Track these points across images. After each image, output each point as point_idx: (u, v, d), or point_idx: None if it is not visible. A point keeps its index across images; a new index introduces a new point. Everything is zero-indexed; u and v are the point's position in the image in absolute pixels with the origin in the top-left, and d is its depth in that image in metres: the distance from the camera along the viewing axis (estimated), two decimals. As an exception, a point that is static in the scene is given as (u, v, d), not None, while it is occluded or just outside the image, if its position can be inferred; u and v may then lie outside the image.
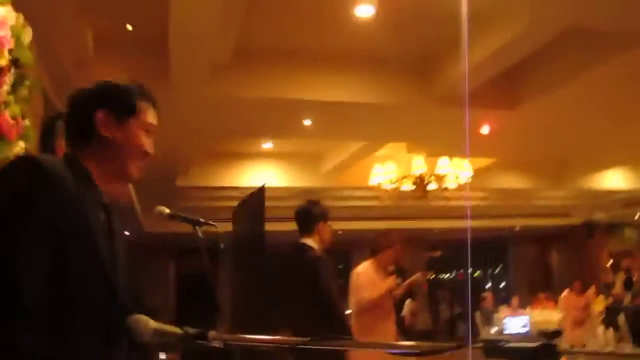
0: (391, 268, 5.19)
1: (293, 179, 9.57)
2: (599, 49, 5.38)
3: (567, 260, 18.34)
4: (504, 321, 9.59)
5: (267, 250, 6.70)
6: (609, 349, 8.29)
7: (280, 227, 9.66)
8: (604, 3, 4.44)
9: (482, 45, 5.26)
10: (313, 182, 9.45)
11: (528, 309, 11.66)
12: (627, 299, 10.90)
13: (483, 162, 9.73)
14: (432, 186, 8.62)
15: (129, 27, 5.05)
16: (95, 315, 1.33)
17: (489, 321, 10.65)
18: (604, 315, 9.47)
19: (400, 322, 5.39)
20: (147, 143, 1.60)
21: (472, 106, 6.24)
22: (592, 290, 9.19)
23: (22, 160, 1.43)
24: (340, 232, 8.89)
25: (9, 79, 2.72)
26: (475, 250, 20.48)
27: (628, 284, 13.07)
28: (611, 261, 16.16)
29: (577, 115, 6.95)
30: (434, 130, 7.19)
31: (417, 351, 1.03)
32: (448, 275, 20.40)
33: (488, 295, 11.58)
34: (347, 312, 4.87)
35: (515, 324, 8.94)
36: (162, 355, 6.92)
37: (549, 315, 10.85)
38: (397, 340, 5.39)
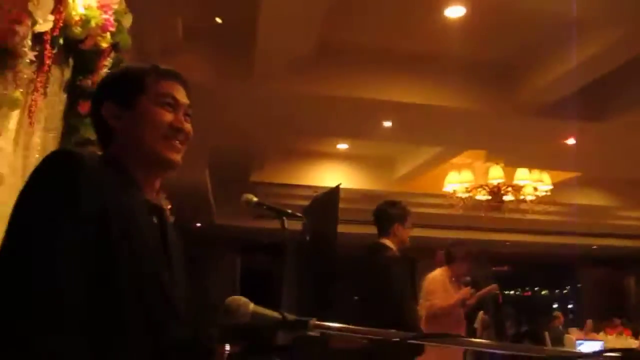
0: (466, 279, 5.15)
1: (366, 181, 9.51)
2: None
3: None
4: (577, 343, 9.20)
5: (338, 251, 6.69)
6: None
7: (349, 228, 9.69)
8: None
9: (573, 53, 5.06)
10: (386, 187, 9.36)
11: (602, 334, 11.15)
12: None
13: (563, 175, 9.37)
14: (508, 197, 8.41)
15: (218, 20, 5.13)
16: (148, 336, 1.21)
17: (559, 341, 10.24)
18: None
19: (471, 333, 5.30)
20: (170, 117, 1.40)
21: (558, 117, 6.02)
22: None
23: (65, 155, 1.29)
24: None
25: (108, 62, 2.80)
26: (545, 268, 19.95)
27: None
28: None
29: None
30: (514, 140, 6.97)
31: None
32: (513, 292, 19.87)
33: (559, 315, 11.14)
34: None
35: (589, 347, 8.55)
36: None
37: (625, 342, 10.35)
38: (465, 350, 5.30)
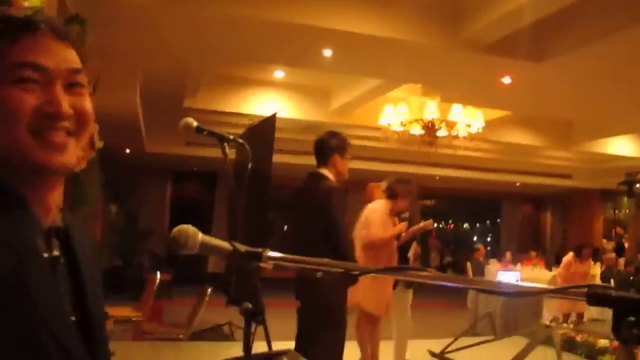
0: (405, 215, 5.30)
1: (301, 111, 9.40)
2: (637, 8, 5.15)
3: (560, 222, 18.49)
4: (497, 274, 9.68)
5: (273, 180, 6.65)
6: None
7: (282, 158, 9.63)
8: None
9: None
10: (321, 117, 9.29)
11: (519, 266, 11.77)
12: (619, 265, 11.04)
13: (495, 114, 9.57)
14: (441, 133, 8.52)
15: None
16: None
17: (480, 272, 10.75)
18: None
19: (404, 262, 5.49)
20: (33, 100, 0.92)
21: (497, 55, 6.04)
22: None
23: None
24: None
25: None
26: (469, 203, 20.75)
27: (619, 251, 13.26)
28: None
29: (598, 77, 6.76)
30: (452, 76, 6.99)
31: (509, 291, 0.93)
32: (437, 225, 20.63)
33: (481, 248, 11.64)
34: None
35: (507, 277, 9.02)
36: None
37: (539, 273, 10.97)
38: (395, 280, 5.47)
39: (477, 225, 23.45)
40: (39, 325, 0.87)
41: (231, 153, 2.34)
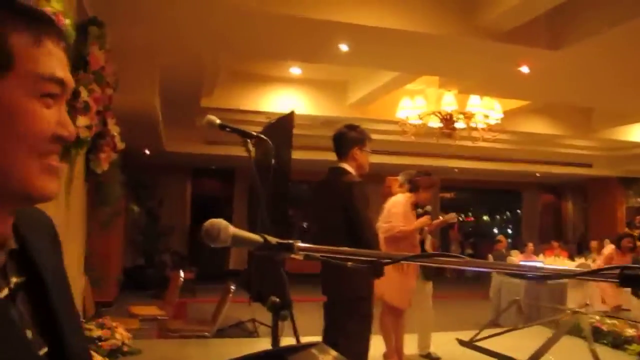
0: (427, 208, 5.30)
1: (318, 107, 9.41)
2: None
3: (581, 211, 18.30)
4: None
5: (291, 176, 6.68)
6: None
7: (302, 154, 9.65)
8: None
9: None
10: (338, 112, 9.29)
11: (541, 257, 11.67)
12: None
13: (513, 104, 9.49)
14: (460, 124, 8.47)
15: None
16: None
17: (502, 264, 10.67)
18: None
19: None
20: (54, 119, 0.82)
21: (514, 43, 6.00)
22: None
23: None
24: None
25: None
26: (489, 195, 20.63)
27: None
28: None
29: (617, 64, 6.68)
30: (470, 66, 6.94)
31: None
32: (458, 217, 20.53)
33: (502, 239, 11.56)
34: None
35: (530, 268, 8.94)
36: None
37: (563, 264, 10.86)
38: (418, 272, 5.48)
39: (497, 216, 23.30)
40: None
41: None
